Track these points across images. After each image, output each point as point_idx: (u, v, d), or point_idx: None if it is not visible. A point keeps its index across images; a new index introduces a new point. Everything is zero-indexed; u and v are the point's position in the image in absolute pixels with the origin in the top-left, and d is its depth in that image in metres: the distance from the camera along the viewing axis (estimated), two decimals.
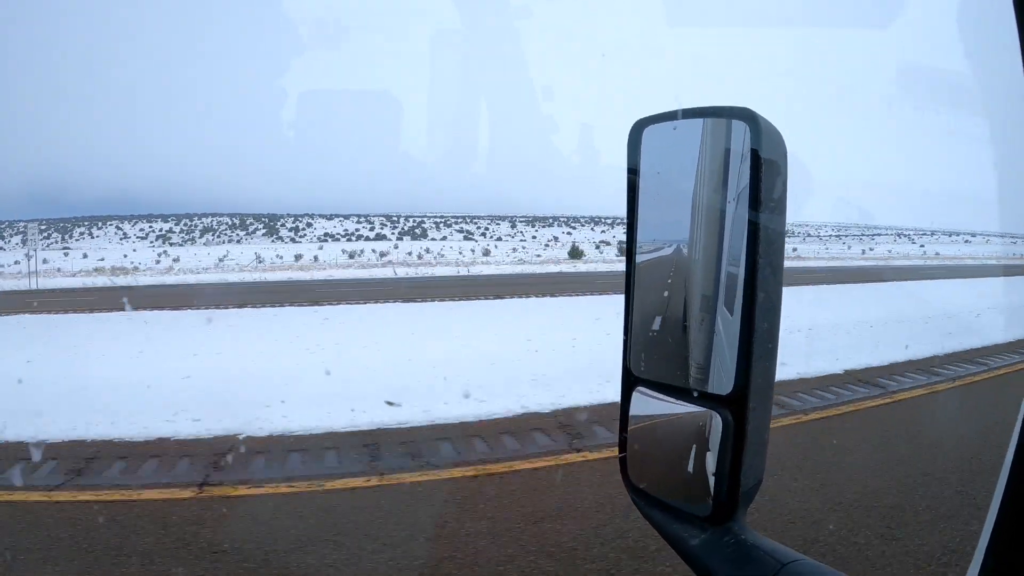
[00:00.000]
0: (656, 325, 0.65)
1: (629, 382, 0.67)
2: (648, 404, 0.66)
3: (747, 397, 0.57)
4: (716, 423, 0.59)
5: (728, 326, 0.58)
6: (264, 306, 14.25)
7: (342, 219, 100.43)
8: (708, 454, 0.60)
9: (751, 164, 0.57)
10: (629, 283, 0.67)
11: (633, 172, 0.65)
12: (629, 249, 0.66)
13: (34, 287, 26.67)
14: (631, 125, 0.66)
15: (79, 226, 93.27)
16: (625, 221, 0.67)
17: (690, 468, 0.62)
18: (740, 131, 0.58)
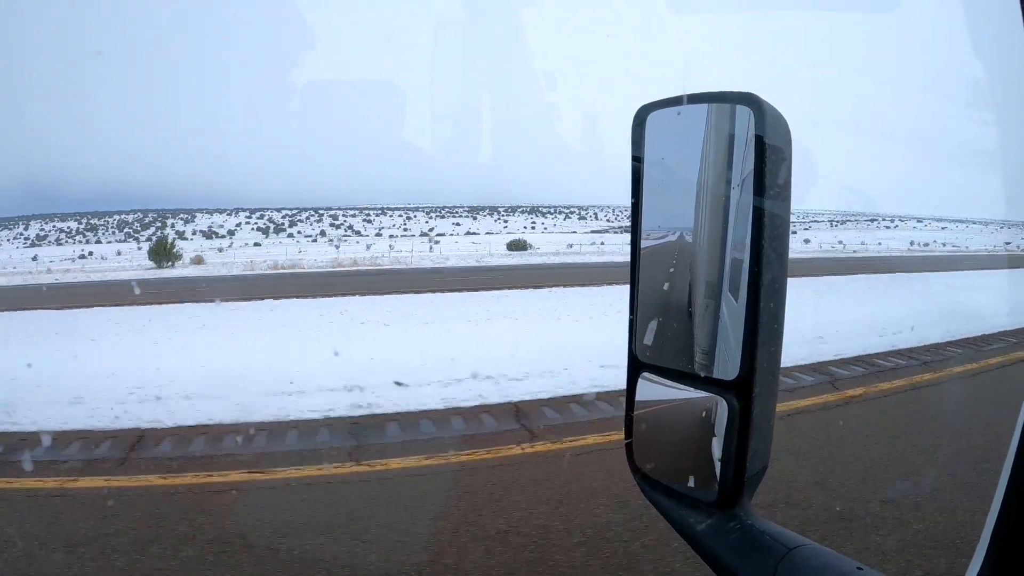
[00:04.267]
0: (661, 311, 0.65)
1: (635, 367, 0.67)
2: (654, 389, 0.66)
3: (753, 382, 0.57)
4: (722, 408, 0.59)
5: (733, 311, 0.58)
6: None
7: (233, 213, 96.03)
8: (714, 439, 0.60)
9: (755, 150, 0.56)
10: (634, 269, 0.67)
11: (637, 158, 0.65)
12: (634, 236, 0.66)
13: None
14: (635, 111, 0.66)
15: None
16: (630, 207, 0.67)
17: (696, 453, 0.62)
18: (744, 116, 0.58)
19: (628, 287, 0.68)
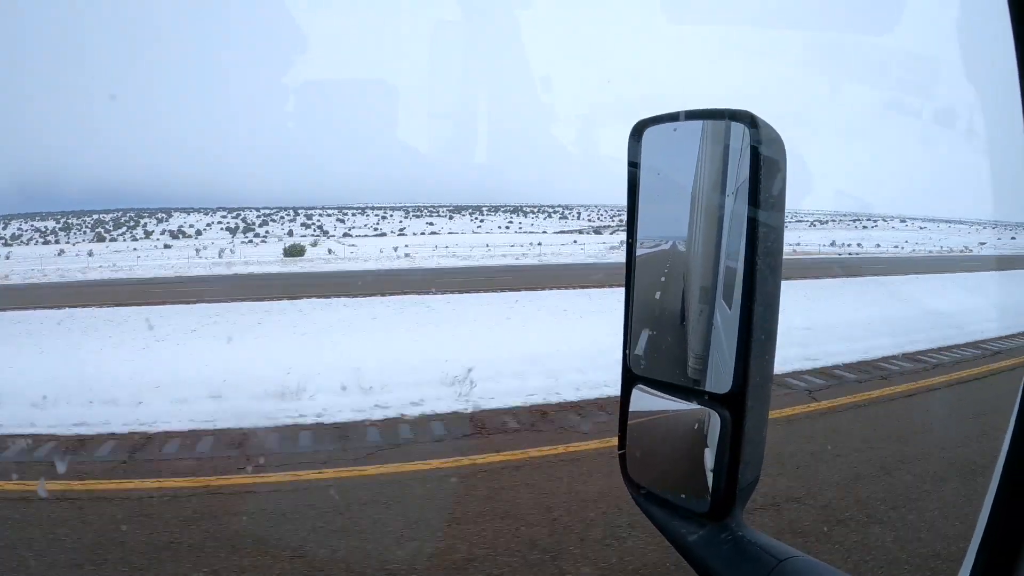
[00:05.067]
0: (654, 321, 0.66)
1: (629, 379, 0.67)
2: (648, 401, 0.66)
3: (745, 395, 0.58)
4: (714, 420, 0.60)
5: (726, 319, 0.59)
6: None
7: (209, 212, 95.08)
8: (707, 451, 0.61)
9: (751, 163, 0.57)
10: (629, 280, 0.67)
11: (633, 171, 0.66)
12: (629, 247, 0.67)
13: None
14: (632, 126, 0.66)
15: None
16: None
17: (689, 464, 0.63)
18: (739, 132, 0.59)
19: (632, 296, 0.68)
